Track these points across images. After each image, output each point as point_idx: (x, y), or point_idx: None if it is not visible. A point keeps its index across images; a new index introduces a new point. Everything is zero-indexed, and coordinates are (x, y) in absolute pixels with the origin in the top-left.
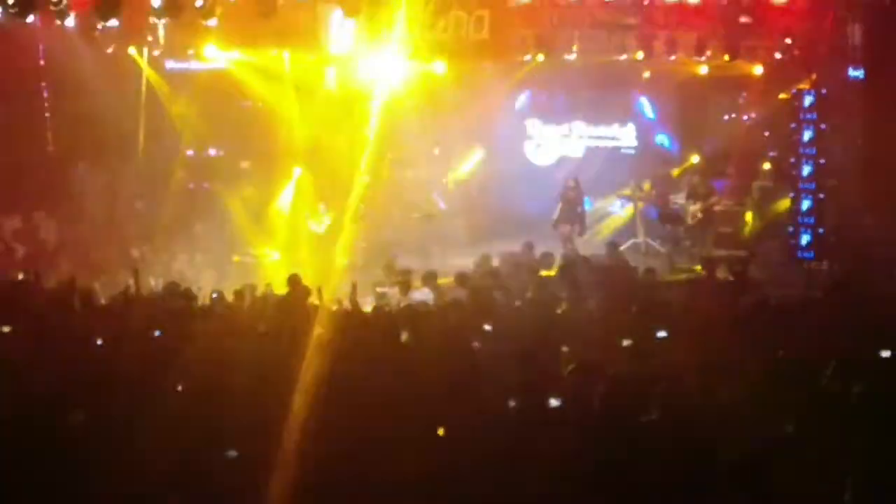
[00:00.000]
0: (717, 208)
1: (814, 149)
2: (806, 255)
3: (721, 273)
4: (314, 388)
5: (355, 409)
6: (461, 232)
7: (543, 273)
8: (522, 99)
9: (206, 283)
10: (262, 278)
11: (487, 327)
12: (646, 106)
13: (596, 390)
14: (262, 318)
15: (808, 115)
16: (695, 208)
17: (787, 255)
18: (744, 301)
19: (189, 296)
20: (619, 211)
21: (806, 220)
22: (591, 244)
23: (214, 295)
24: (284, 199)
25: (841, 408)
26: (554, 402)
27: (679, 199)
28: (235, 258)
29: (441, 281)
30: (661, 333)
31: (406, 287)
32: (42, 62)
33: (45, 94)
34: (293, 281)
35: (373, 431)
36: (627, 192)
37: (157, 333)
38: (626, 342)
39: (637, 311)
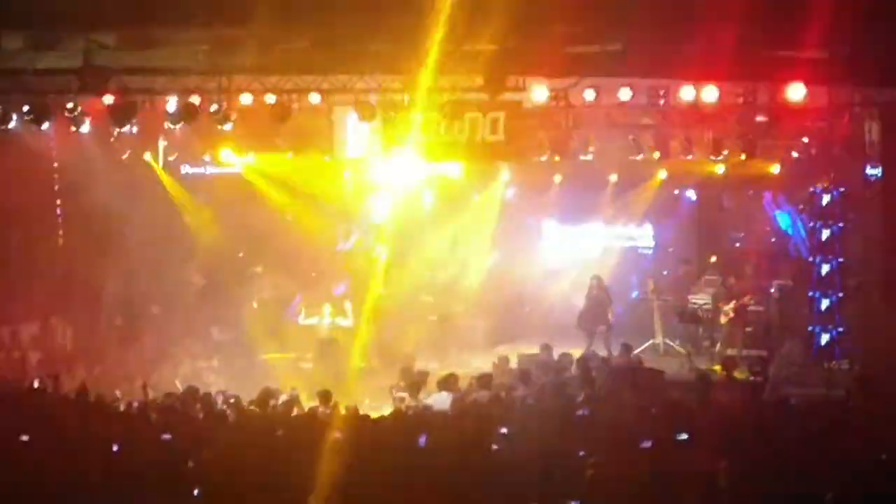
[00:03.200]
0: (750, 308)
1: (833, 248)
2: (826, 354)
3: (741, 373)
4: (330, 493)
5: None
6: (478, 333)
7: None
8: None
9: (223, 387)
10: (284, 382)
11: (504, 430)
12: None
13: (617, 494)
14: (281, 423)
15: (826, 214)
16: (728, 307)
17: (807, 355)
18: (765, 401)
19: (207, 401)
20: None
21: (826, 319)
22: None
23: (231, 400)
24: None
25: None
26: None
27: (698, 298)
28: (263, 357)
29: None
30: (682, 436)
31: (418, 390)
32: (56, 170)
33: (59, 202)
34: (324, 397)
35: None
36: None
37: (167, 437)
38: (646, 444)
39: (656, 412)
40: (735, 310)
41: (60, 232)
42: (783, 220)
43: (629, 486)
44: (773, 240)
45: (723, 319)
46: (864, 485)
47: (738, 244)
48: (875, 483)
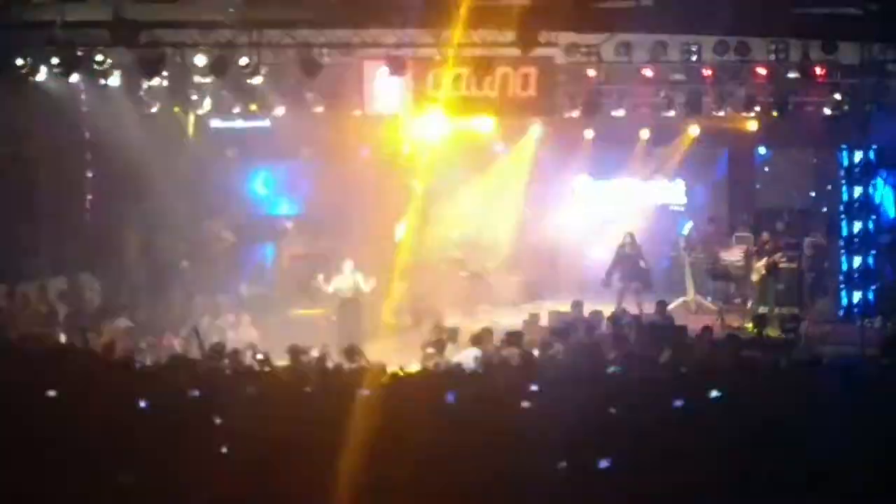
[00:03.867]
0: (781, 265)
1: (864, 206)
2: (859, 312)
3: (773, 331)
4: (359, 451)
5: (400, 472)
6: (509, 290)
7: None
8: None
9: (251, 343)
10: (317, 339)
11: (534, 387)
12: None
13: (646, 451)
14: (309, 380)
15: (858, 172)
16: (760, 264)
17: (839, 313)
18: (796, 359)
19: (235, 357)
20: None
21: (859, 276)
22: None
23: (260, 356)
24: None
25: None
26: (603, 464)
27: (730, 255)
28: (293, 313)
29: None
30: (714, 394)
31: (443, 346)
32: (85, 123)
33: (89, 155)
34: (350, 353)
35: (416, 496)
36: (678, 249)
37: (195, 393)
38: (677, 403)
39: (687, 370)
40: (766, 267)
41: (89, 186)
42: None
43: (661, 444)
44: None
45: (754, 277)
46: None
47: (770, 201)
48: None
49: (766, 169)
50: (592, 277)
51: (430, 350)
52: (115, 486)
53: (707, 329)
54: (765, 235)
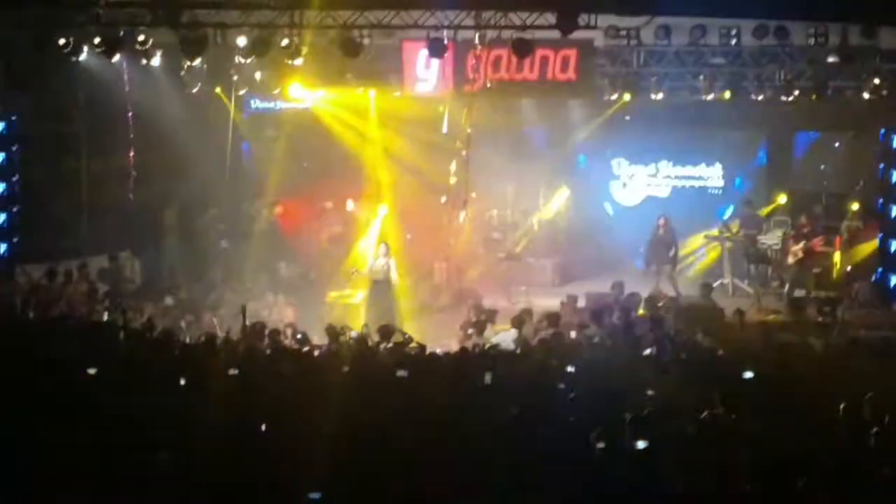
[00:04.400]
0: (818, 248)
1: None
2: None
3: (811, 314)
4: (397, 429)
5: (437, 452)
6: (547, 271)
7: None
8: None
9: (289, 323)
10: (353, 320)
11: (571, 369)
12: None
13: (684, 434)
14: (346, 360)
15: None
16: (797, 248)
17: (877, 297)
18: (834, 342)
19: (274, 336)
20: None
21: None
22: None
23: (299, 335)
24: (370, 239)
25: None
26: (641, 445)
27: (768, 238)
28: (329, 297)
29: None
30: (748, 374)
31: (482, 327)
32: (127, 103)
33: (132, 134)
34: (385, 332)
35: (452, 473)
36: (715, 232)
37: (234, 372)
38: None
39: (723, 353)
40: (803, 251)
41: (131, 164)
42: None
43: (697, 426)
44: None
45: (790, 260)
46: None
47: (808, 184)
48: None
49: (805, 152)
50: (629, 259)
51: (470, 331)
52: (153, 465)
53: (739, 312)
54: (802, 219)
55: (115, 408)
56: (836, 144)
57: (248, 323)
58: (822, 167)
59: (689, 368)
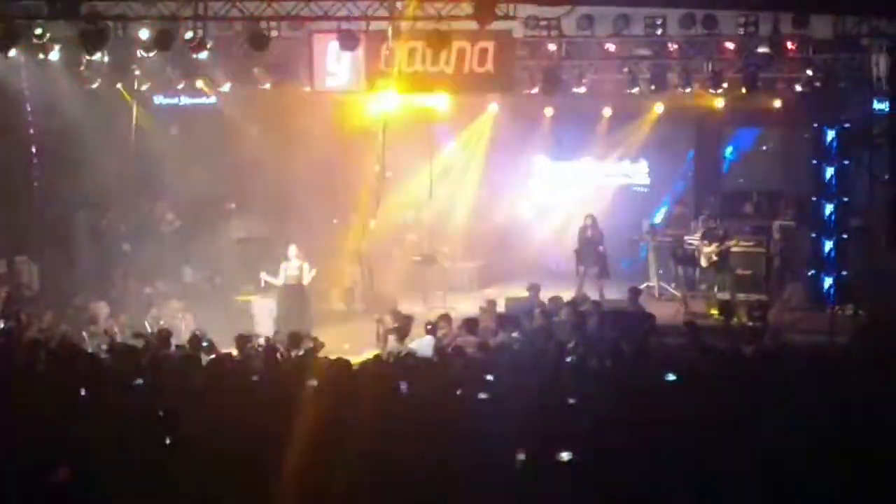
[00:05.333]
0: (734, 250)
1: (836, 187)
2: (829, 299)
3: (739, 318)
4: (305, 442)
5: (348, 465)
6: (465, 275)
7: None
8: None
9: (194, 330)
10: (259, 327)
11: (490, 377)
12: None
13: (610, 444)
14: (255, 368)
15: (830, 151)
16: (710, 250)
17: (809, 299)
18: (763, 347)
19: (179, 345)
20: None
21: (829, 262)
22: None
23: (204, 343)
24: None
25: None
26: (564, 456)
27: (694, 239)
28: (238, 298)
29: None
30: (671, 377)
31: (405, 334)
32: (25, 99)
33: (32, 132)
34: (294, 340)
35: (366, 488)
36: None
37: (138, 382)
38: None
39: (649, 359)
40: (718, 254)
41: (33, 163)
42: None
43: (622, 434)
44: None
45: (704, 263)
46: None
47: (739, 181)
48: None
49: (734, 148)
50: (551, 262)
51: (392, 337)
52: (51, 484)
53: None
54: (703, 220)
55: (11, 419)
56: (764, 146)
57: (152, 330)
58: (754, 164)
59: (613, 375)
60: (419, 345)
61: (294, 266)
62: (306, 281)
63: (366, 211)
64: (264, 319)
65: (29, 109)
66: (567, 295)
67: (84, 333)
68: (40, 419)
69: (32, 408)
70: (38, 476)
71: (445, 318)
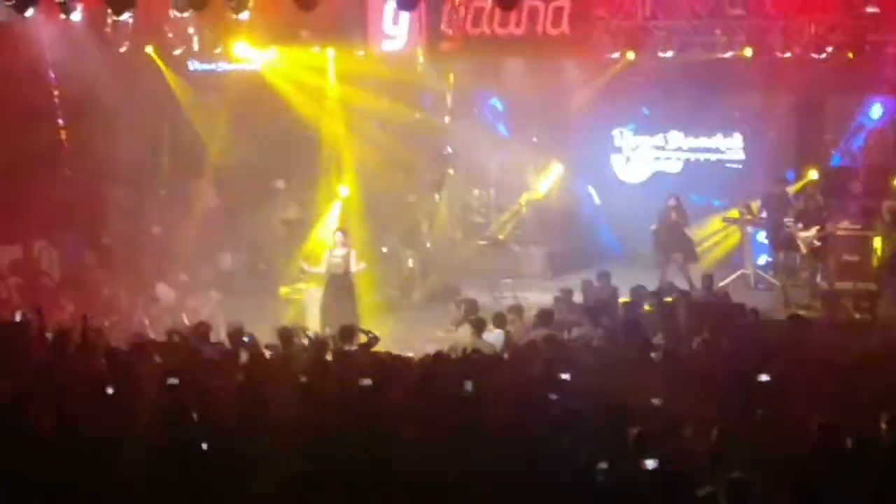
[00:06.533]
0: (839, 233)
1: None
2: None
3: (846, 310)
4: (360, 449)
5: (410, 473)
6: (538, 260)
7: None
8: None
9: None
10: (307, 319)
11: (565, 376)
12: None
13: (698, 451)
14: (302, 367)
15: None
16: (809, 234)
17: None
18: (873, 342)
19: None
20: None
21: None
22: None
23: (247, 339)
24: (329, 225)
25: None
26: (650, 464)
27: (791, 222)
28: (282, 291)
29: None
30: (764, 378)
31: (481, 325)
32: (46, 64)
33: (56, 100)
34: (347, 333)
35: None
36: (734, 214)
37: (173, 381)
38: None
39: (745, 357)
40: (820, 239)
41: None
42: None
43: (713, 440)
44: None
45: (803, 249)
46: None
47: (844, 157)
48: None
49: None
50: (632, 247)
51: (463, 330)
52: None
53: (752, 311)
54: (818, 200)
55: (30, 418)
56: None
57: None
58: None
59: (704, 377)
60: (487, 339)
61: (339, 254)
62: (354, 270)
63: (427, 189)
64: (314, 311)
65: (52, 76)
66: (648, 283)
67: (106, 324)
68: (64, 417)
69: (54, 405)
70: (61, 475)
71: (516, 309)
